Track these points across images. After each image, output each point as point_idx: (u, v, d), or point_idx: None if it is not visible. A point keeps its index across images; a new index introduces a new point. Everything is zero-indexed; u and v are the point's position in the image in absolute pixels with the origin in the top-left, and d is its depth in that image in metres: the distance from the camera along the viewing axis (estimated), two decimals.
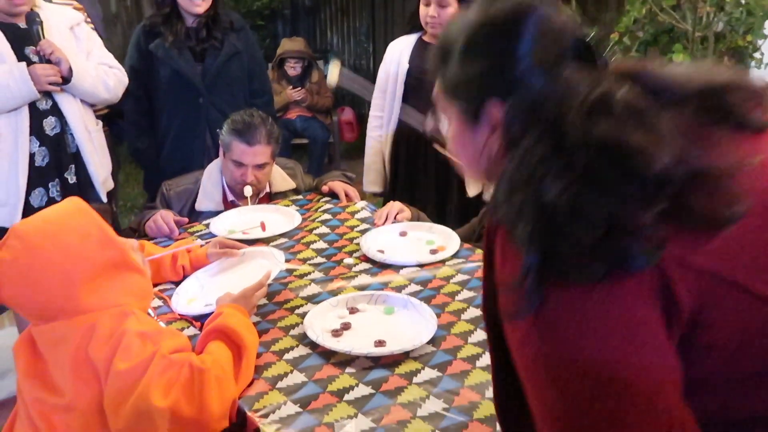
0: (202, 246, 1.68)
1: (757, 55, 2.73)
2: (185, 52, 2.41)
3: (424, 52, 2.41)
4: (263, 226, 1.82)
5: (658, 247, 0.61)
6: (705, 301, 0.62)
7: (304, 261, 1.70)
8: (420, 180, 2.47)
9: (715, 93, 0.70)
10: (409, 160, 2.48)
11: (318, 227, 1.90)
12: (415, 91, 2.41)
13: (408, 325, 1.35)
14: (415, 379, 1.17)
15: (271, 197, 2.16)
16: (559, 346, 0.62)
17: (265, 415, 1.10)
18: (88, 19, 2.52)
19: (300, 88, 4.46)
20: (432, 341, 1.28)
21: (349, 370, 1.21)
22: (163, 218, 1.89)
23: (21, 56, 1.99)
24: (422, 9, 2.34)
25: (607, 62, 0.76)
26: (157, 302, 1.51)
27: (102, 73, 2.16)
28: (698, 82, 0.71)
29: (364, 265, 1.67)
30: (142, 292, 1.23)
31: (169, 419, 1.06)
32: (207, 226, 1.93)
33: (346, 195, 2.10)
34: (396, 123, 2.45)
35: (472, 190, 2.47)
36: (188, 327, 1.40)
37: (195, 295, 1.52)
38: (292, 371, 1.21)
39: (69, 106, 2.06)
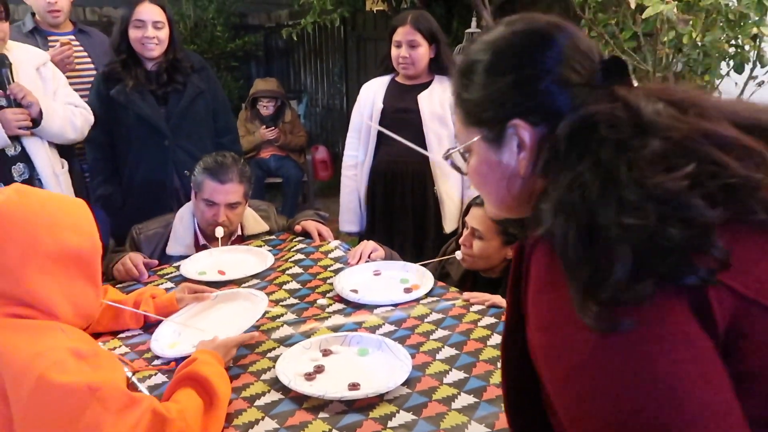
0: (168, 291, 1.65)
1: (715, 94, 2.83)
2: (147, 96, 2.40)
3: (397, 92, 2.46)
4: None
5: (723, 263, 0.59)
6: (738, 324, 0.59)
7: (276, 302, 1.67)
8: (397, 217, 2.48)
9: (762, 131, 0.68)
10: (386, 198, 2.49)
11: (291, 267, 1.88)
12: (390, 129, 2.44)
13: (382, 367, 1.33)
14: (390, 423, 1.15)
15: (243, 240, 2.14)
16: (629, 366, 0.58)
17: None
18: (79, 50, 2.51)
19: (273, 127, 4.48)
20: (407, 383, 1.26)
21: (322, 415, 1.18)
22: (131, 261, 1.85)
23: None
24: (394, 51, 2.39)
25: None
26: (124, 349, 1.46)
27: (69, 114, 2.15)
28: (744, 116, 0.69)
29: (338, 306, 1.65)
30: (85, 310, 1.15)
31: None
32: (177, 268, 1.89)
33: (319, 234, 2.09)
34: (371, 162, 2.48)
35: (449, 227, 2.48)
36: (155, 374, 1.35)
37: (175, 340, 1.47)
38: (263, 418, 1.17)
39: (37, 150, 2.04)
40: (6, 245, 1.05)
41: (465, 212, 1.87)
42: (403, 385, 1.25)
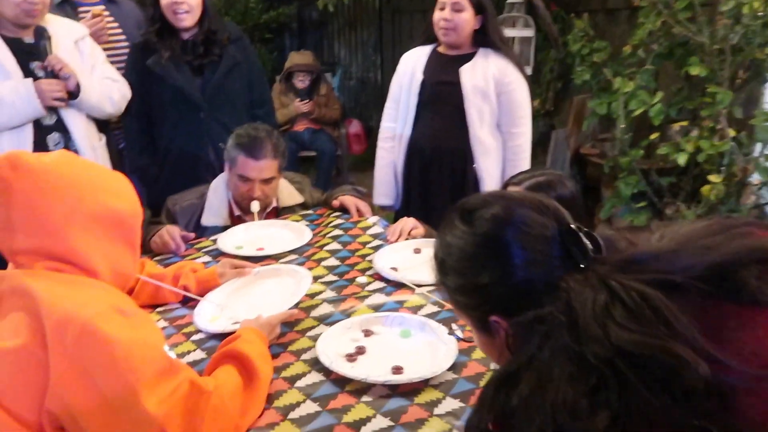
0: (206, 266, 1.62)
1: None
2: (183, 67, 2.35)
3: (438, 63, 2.36)
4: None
5: None
6: None
7: (315, 279, 1.62)
8: (434, 195, 2.41)
9: (726, 270, 0.63)
10: (423, 174, 2.41)
11: (329, 243, 1.83)
12: (430, 103, 2.36)
13: (426, 350, 1.28)
14: (436, 410, 1.10)
15: (278, 212, 2.10)
16: None
17: None
18: (110, 20, 2.48)
19: (308, 100, 4.42)
20: (452, 368, 1.21)
21: (365, 398, 1.14)
22: (169, 233, 1.83)
23: (26, 71, 1.95)
24: (436, 13, 2.28)
25: (600, 244, 0.74)
26: (163, 323, 1.44)
27: (106, 88, 2.12)
28: (704, 260, 0.65)
29: (378, 284, 1.60)
30: (123, 274, 1.12)
31: None
32: (214, 242, 1.87)
33: (358, 210, 2.04)
34: (410, 135, 2.39)
35: None
36: (194, 350, 1.33)
37: (216, 314, 1.45)
38: (305, 400, 1.14)
39: (74, 121, 2.02)
40: (53, 202, 1.04)
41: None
42: (448, 370, 1.20)
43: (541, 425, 0.61)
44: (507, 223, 0.76)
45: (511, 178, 1.68)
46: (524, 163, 2.40)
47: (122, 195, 1.13)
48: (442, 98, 2.35)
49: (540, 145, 4.07)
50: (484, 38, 2.30)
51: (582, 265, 0.71)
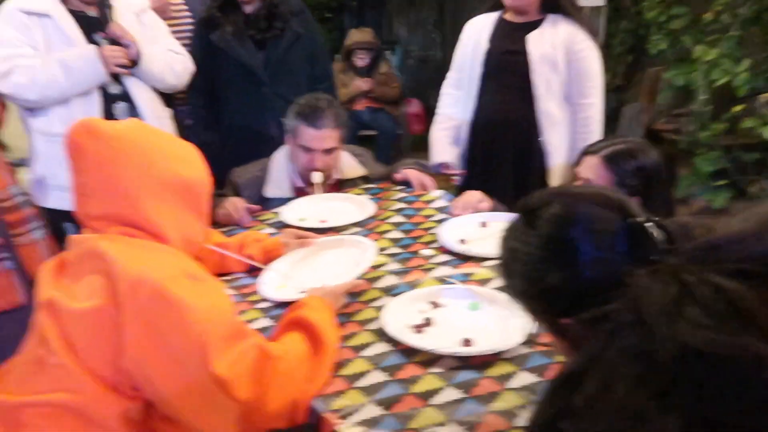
0: (271, 236, 1.62)
1: None
2: (246, 42, 2.35)
3: (504, 31, 2.26)
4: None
5: None
6: None
7: (379, 251, 1.59)
8: (497, 169, 2.32)
9: None
10: (486, 147, 2.32)
11: (392, 216, 1.79)
12: (494, 74, 2.26)
13: (497, 323, 1.23)
14: (510, 384, 1.05)
15: (340, 184, 2.08)
16: None
17: (345, 416, 1.00)
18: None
19: (368, 78, 4.38)
20: (525, 341, 1.15)
21: (433, 369, 1.10)
22: (233, 205, 1.84)
23: (91, 42, 1.99)
24: None
25: (671, 234, 0.68)
26: (229, 291, 1.44)
27: (169, 59, 2.14)
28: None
29: (444, 257, 1.55)
30: (191, 241, 1.13)
31: (225, 394, 0.95)
32: (277, 214, 1.87)
33: (422, 184, 1.98)
34: (473, 107, 2.30)
35: (555, 182, 2.30)
36: (260, 318, 1.32)
37: (282, 283, 1.44)
38: (371, 370, 1.11)
39: (139, 91, 2.05)
40: (125, 167, 1.05)
41: (577, 162, 1.69)
42: (522, 344, 1.14)
43: (605, 428, 0.56)
44: (569, 222, 0.74)
45: (589, 146, 1.59)
46: (594, 135, 2.27)
47: (192, 163, 1.14)
48: (507, 68, 2.25)
49: (609, 121, 3.88)
50: (554, 3, 2.19)
51: (652, 258, 0.66)
